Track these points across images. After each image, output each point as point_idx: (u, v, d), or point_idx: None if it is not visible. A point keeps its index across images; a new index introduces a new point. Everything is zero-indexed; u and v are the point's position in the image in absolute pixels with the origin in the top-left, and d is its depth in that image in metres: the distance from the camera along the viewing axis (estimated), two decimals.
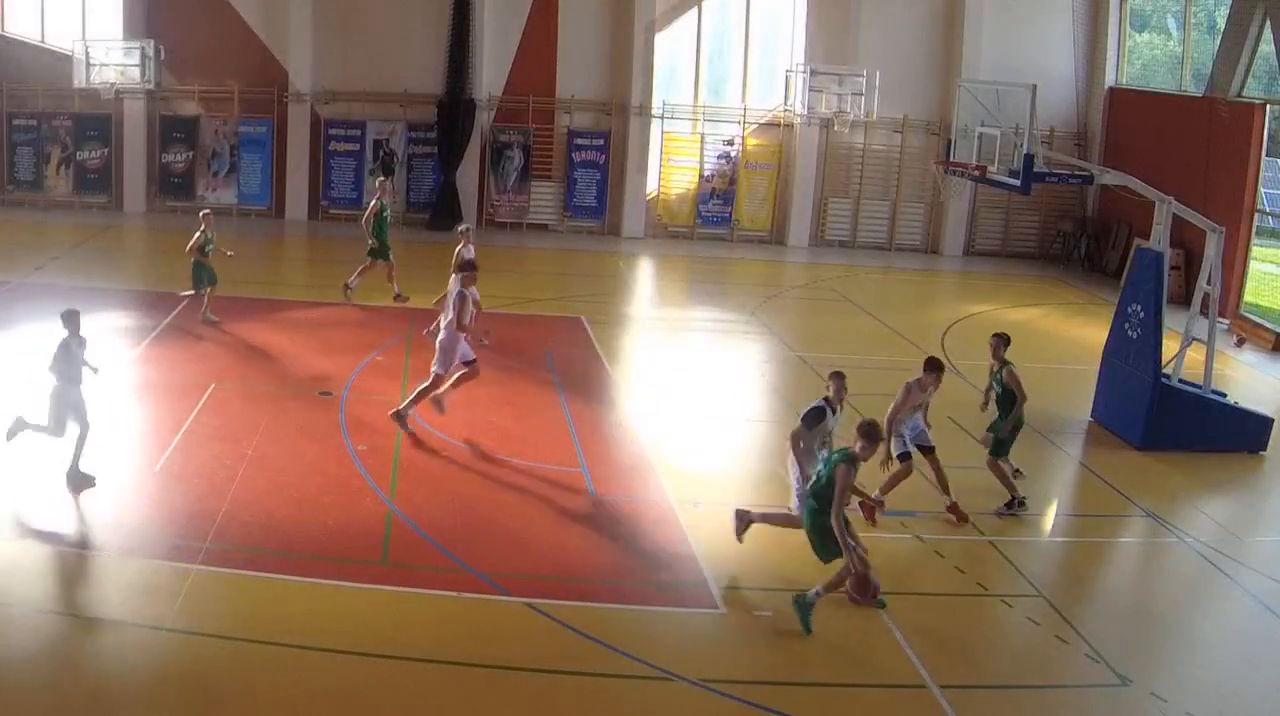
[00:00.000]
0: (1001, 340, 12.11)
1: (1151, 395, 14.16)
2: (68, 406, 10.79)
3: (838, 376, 10.48)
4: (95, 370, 11.27)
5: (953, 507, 11.59)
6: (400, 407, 12.90)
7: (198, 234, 16.91)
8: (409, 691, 8.03)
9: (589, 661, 8.59)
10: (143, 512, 10.47)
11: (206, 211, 17.68)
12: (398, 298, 18.66)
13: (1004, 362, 11.99)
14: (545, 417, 13.95)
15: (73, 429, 10.85)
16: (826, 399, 10.36)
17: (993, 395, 12.27)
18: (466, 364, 13.21)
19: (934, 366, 11.53)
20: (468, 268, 13.45)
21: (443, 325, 13.19)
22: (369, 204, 19.11)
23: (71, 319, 10.91)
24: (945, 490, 11.67)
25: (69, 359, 10.80)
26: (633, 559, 10.38)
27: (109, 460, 11.73)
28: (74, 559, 9.36)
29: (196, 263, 17.01)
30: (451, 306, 13.07)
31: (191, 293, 17.14)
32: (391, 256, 18.77)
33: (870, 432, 9.06)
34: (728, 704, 8.12)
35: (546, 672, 8.40)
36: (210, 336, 16.49)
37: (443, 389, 13.13)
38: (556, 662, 8.53)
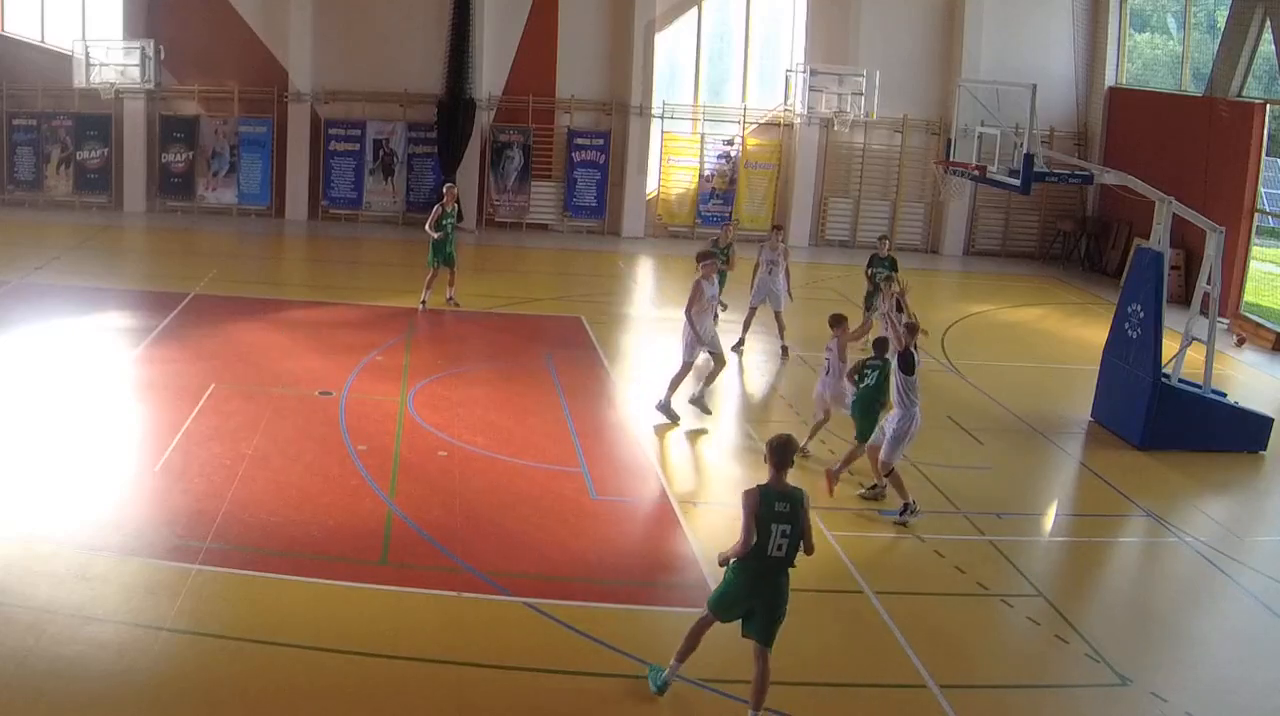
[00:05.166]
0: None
1: (1151, 395, 14.15)
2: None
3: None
4: None
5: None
6: (660, 402, 13.88)
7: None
8: (409, 691, 8.02)
9: (589, 661, 8.58)
10: (143, 512, 10.47)
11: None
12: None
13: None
14: (545, 417, 13.94)
15: None
16: None
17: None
18: (712, 354, 14.10)
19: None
20: (705, 257, 14.29)
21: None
22: None
23: None
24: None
25: None
26: (633, 559, 10.38)
27: (109, 460, 11.76)
28: (74, 559, 9.35)
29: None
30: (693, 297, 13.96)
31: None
32: None
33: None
34: (728, 704, 8.11)
35: (546, 672, 8.40)
36: (210, 336, 16.47)
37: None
38: (556, 662, 8.53)
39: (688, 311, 13.77)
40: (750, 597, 7.71)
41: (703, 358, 14.24)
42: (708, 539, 10.64)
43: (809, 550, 7.75)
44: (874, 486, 11.94)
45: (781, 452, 7.74)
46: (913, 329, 11.81)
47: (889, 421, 11.60)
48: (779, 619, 7.76)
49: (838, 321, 13.11)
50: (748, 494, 7.64)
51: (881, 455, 11.57)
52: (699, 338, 13.80)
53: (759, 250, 17.88)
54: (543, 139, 27.29)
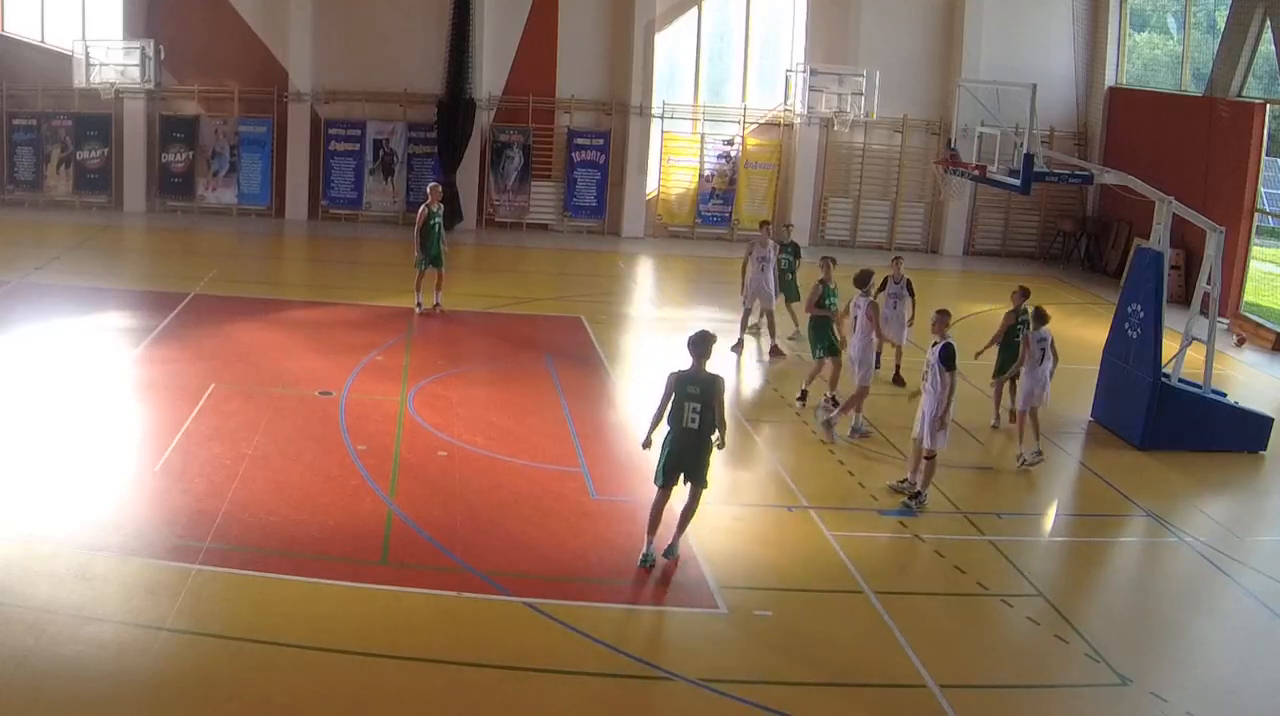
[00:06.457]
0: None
1: (1151, 395, 14.16)
2: None
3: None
4: None
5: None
6: (854, 427, 13.90)
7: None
8: (409, 691, 8.03)
9: (589, 661, 8.59)
10: (143, 512, 10.47)
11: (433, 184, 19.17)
12: None
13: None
14: (545, 417, 13.94)
15: None
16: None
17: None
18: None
19: None
20: (866, 277, 14.17)
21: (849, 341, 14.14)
22: None
23: None
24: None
25: None
26: (633, 558, 10.37)
27: (109, 460, 11.76)
28: (74, 559, 9.35)
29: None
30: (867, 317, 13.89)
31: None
32: None
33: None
34: (728, 704, 8.11)
35: (546, 672, 8.40)
36: (210, 336, 16.46)
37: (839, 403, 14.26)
38: (556, 662, 8.53)
39: (868, 334, 13.88)
40: (678, 462, 9.74)
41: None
42: (708, 538, 10.64)
43: (719, 426, 9.64)
44: (904, 481, 12.11)
45: (697, 346, 9.73)
46: (944, 315, 12.13)
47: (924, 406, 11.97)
48: (704, 467, 9.77)
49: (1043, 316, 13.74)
50: (670, 375, 9.73)
51: (925, 442, 11.74)
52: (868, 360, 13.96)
53: (749, 248, 17.88)
54: (543, 139, 27.29)
